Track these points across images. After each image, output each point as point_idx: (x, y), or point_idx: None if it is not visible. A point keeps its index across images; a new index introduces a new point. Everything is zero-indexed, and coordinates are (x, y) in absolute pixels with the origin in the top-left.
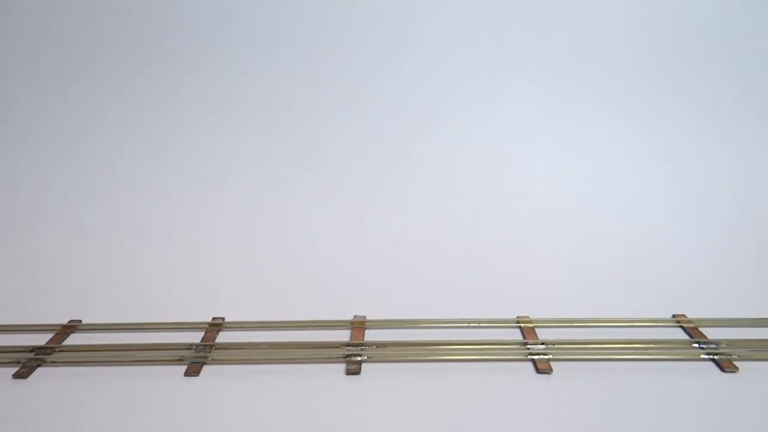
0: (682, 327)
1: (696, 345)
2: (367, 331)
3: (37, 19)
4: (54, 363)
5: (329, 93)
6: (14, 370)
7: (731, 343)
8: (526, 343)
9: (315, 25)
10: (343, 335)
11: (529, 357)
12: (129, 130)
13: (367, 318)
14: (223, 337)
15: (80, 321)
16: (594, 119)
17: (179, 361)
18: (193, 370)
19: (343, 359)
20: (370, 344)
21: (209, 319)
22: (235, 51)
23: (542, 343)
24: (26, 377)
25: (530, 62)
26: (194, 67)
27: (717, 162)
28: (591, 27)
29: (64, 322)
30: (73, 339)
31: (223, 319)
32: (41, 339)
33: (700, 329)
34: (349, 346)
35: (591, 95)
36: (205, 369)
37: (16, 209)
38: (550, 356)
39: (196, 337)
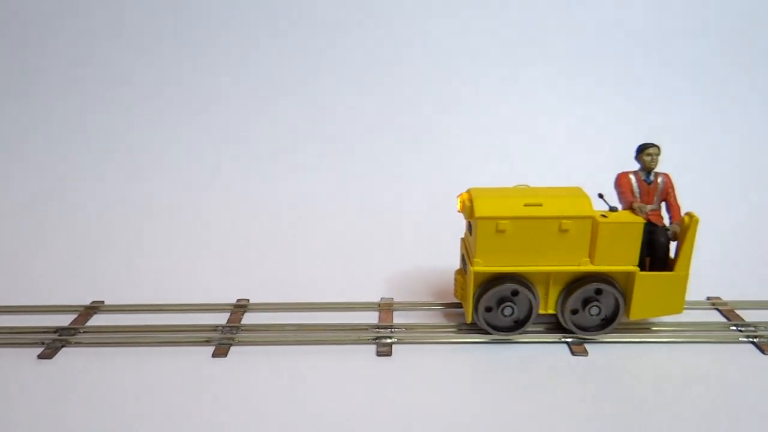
0: (717, 309)
1: (734, 327)
2: (394, 313)
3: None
4: (78, 344)
5: (348, 77)
6: (39, 350)
7: None
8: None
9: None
10: (370, 317)
11: (562, 339)
12: (153, 115)
13: (395, 300)
14: (248, 319)
15: (103, 302)
16: (610, 96)
17: (206, 342)
18: (220, 352)
19: (374, 341)
20: (399, 326)
21: (234, 301)
22: (256, 43)
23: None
24: (51, 358)
25: (549, 42)
26: (210, 57)
27: (749, 143)
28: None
29: (87, 303)
30: (97, 320)
31: (248, 300)
32: (64, 320)
33: (736, 311)
34: (378, 328)
35: (608, 74)
36: (233, 350)
37: (39, 192)
38: (582, 339)
39: (221, 318)
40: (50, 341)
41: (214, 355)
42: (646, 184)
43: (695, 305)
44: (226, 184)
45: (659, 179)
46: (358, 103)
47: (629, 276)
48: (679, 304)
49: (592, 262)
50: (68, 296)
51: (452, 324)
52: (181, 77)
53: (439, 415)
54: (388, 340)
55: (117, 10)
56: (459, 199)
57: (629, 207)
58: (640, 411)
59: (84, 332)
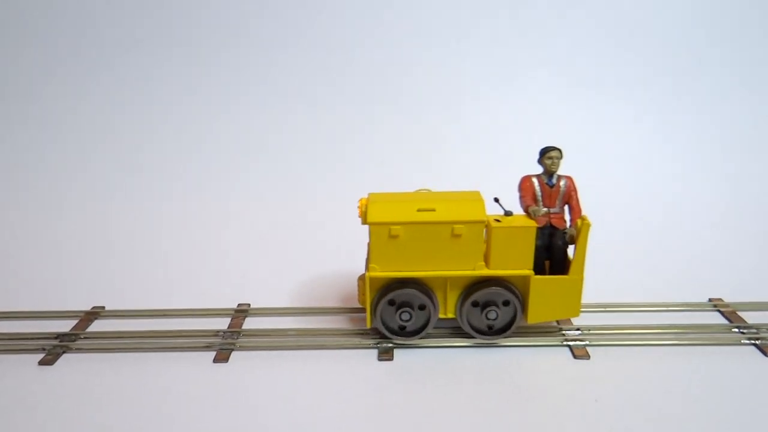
0: (719, 311)
1: (736, 330)
2: None
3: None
4: (79, 349)
5: (348, 81)
6: (40, 357)
7: None
8: (561, 329)
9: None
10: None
11: (564, 343)
12: (156, 123)
13: None
14: (249, 323)
15: (103, 307)
16: (623, 100)
17: (207, 347)
18: (222, 357)
19: (375, 345)
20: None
21: (235, 306)
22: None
23: (577, 329)
24: (52, 364)
25: (551, 42)
26: (214, 60)
27: (752, 147)
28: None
29: (88, 308)
30: (97, 325)
31: (249, 305)
32: (65, 326)
33: (738, 313)
34: (379, 332)
35: (617, 74)
36: (234, 355)
37: (38, 198)
38: (587, 342)
39: (222, 323)
40: (51, 347)
41: (215, 361)
42: (548, 187)
43: (697, 307)
44: (226, 189)
45: (562, 182)
46: (357, 103)
47: (525, 280)
48: (575, 307)
49: (487, 266)
50: (69, 302)
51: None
52: (185, 89)
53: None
54: (389, 345)
55: (118, 16)
56: (359, 204)
57: (525, 210)
58: (642, 415)
59: (85, 338)
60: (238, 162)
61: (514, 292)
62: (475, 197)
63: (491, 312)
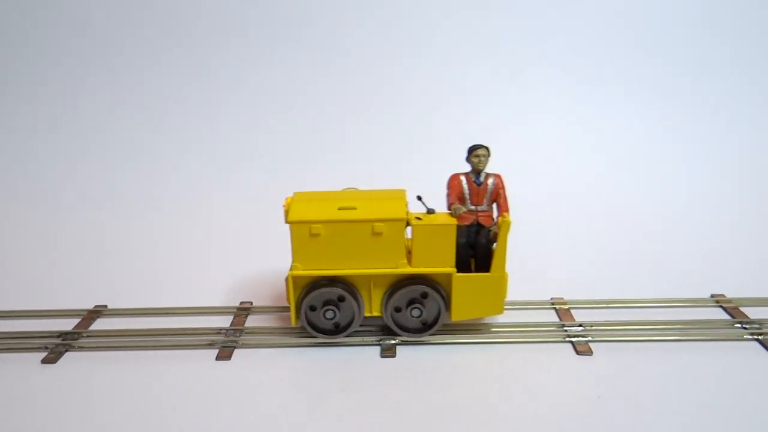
0: (722, 307)
1: (738, 325)
2: None
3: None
4: (82, 348)
5: (341, 76)
6: (42, 355)
7: None
8: (563, 325)
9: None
10: (376, 319)
11: (567, 339)
12: (159, 123)
13: None
14: (252, 321)
15: (105, 306)
16: (623, 95)
17: (210, 345)
18: (224, 355)
19: (378, 342)
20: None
21: (237, 304)
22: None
23: (579, 325)
24: (55, 362)
25: (552, 40)
26: (207, 57)
27: (753, 142)
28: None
29: (90, 307)
30: (100, 324)
31: (251, 303)
32: (68, 324)
33: (741, 309)
34: (383, 330)
35: (620, 71)
36: (237, 353)
37: (41, 197)
38: (589, 338)
39: (224, 321)
40: (54, 346)
41: (217, 358)
42: (476, 185)
43: (699, 303)
44: (227, 187)
45: (490, 180)
46: (356, 102)
47: (448, 277)
48: (498, 304)
49: (410, 264)
50: (71, 301)
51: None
52: (185, 88)
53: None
54: (392, 342)
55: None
56: (284, 204)
57: (448, 208)
58: (645, 411)
59: (87, 336)
60: (239, 160)
61: (437, 289)
62: (397, 196)
63: (415, 310)
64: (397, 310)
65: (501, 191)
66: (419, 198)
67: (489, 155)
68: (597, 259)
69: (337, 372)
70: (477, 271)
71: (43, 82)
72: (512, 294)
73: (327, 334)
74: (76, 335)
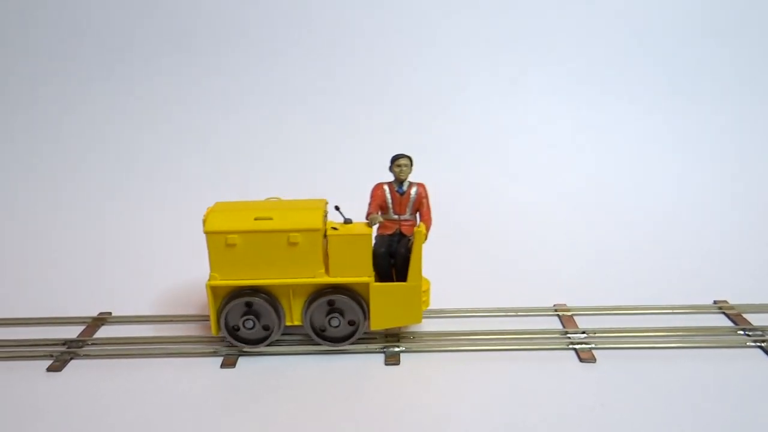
0: (724, 313)
1: (741, 332)
2: None
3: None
4: (87, 356)
5: (351, 74)
6: (48, 363)
7: None
8: (567, 332)
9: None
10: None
11: (570, 346)
12: (161, 129)
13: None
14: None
15: (110, 313)
16: (625, 102)
17: (214, 353)
18: (229, 362)
19: (382, 350)
20: (407, 334)
21: None
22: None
23: (583, 332)
24: (60, 370)
25: (554, 45)
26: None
27: (758, 146)
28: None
29: (95, 314)
30: (105, 331)
31: None
32: (72, 332)
33: (744, 315)
34: (386, 336)
35: (621, 76)
36: (240, 360)
37: (45, 206)
38: (592, 345)
39: None
40: (59, 354)
41: (222, 366)
42: (398, 194)
43: (702, 309)
44: (230, 193)
45: (413, 190)
46: (354, 104)
47: (366, 287)
48: (416, 313)
49: (327, 274)
50: (76, 308)
51: (462, 331)
52: (194, 96)
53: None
54: (396, 349)
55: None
56: (204, 214)
57: (366, 218)
58: (648, 419)
59: (92, 344)
60: (241, 165)
61: (357, 299)
62: (315, 206)
63: (334, 319)
64: (317, 319)
65: (424, 200)
66: (337, 208)
67: (411, 165)
68: (600, 265)
69: (338, 380)
70: (397, 280)
71: (49, 88)
72: (515, 300)
73: (248, 344)
74: (81, 343)
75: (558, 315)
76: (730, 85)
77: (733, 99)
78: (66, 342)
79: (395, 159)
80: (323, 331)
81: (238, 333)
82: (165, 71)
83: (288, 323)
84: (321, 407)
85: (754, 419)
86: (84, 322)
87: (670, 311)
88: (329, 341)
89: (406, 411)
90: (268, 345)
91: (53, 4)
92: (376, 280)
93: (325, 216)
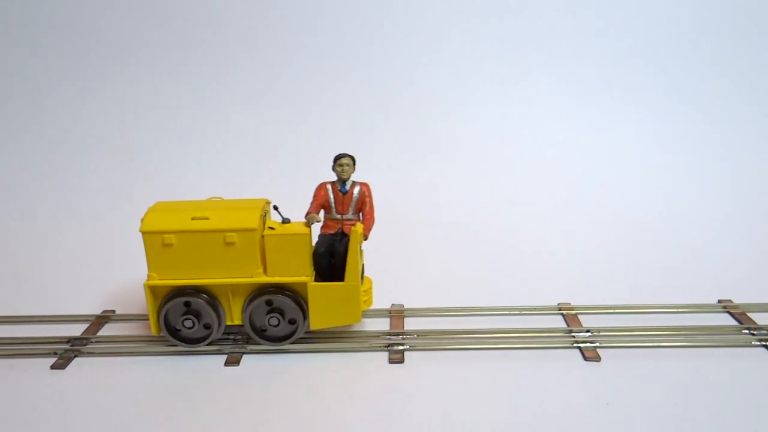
0: (729, 312)
1: (746, 331)
2: (406, 319)
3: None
4: (90, 353)
5: (361, 75)
6: (52, 361)
7: None
8: (571, 331)
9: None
10: (381, 324)
11: (575, 345)
12: (164, 126)
13: (405, 306)
14: None
15: (114, 311)
16: (629, 101)
17: (218, 351)
18: (232, 360)
19: (385, 348)
20: (411, 333)
21: None
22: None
23: (587, 331)
24: (64, 368)
25: (557, 46)
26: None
27: (763, 146)
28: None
29: (98, 312)
30: (108, 329)
31: None
32: (76, 329)
33: (748, 314)
34: (390, 335)
35: (626, 75)
36: (245, 358)
37: (48, 202)
38: (597, 344)
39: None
40: (63, 351)
41: (226, 364)
42: (341, 193)
43: (706, 308)
44: (233, 190)
45: (356, 189)
46: (353, 103)
47: (304, 286)
48: (355, 313)
49: (265, 274)
50: (79, 306)
51: (466, 329)
52: (195, 92)
53: None
54: (401, 347)
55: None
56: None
57: (305, 217)
58: (653, 417)
59: (96, 342)
60: (246, 164)
61: (295, 298)
62: (253, 206)
63: (273, 318)
64: (257, 319)
65: (367, 200)
66: (275, 208)
67: (354, 164)
68: (604, 264)
69: (341, 380)
70: (337, 280)
71: (51, 85)
72: (518, 299)
73: (188, 343)
74: (84, 341)
75: (562, 314)
76: (735, 86)
77: (740, 100)
78: (70, 340)
79: (337, 158)
80: (264, 330)
81: (179, 332)
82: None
83: (228, 323)
84: (326, 405)
85: (758, 418)
86: (87, 320)
87: (675, 310)
88: (270, 341)
89: (410, 409)
90: (209, 344)
91: (53, 4)
92: (316, 280)
93: (264, 216)
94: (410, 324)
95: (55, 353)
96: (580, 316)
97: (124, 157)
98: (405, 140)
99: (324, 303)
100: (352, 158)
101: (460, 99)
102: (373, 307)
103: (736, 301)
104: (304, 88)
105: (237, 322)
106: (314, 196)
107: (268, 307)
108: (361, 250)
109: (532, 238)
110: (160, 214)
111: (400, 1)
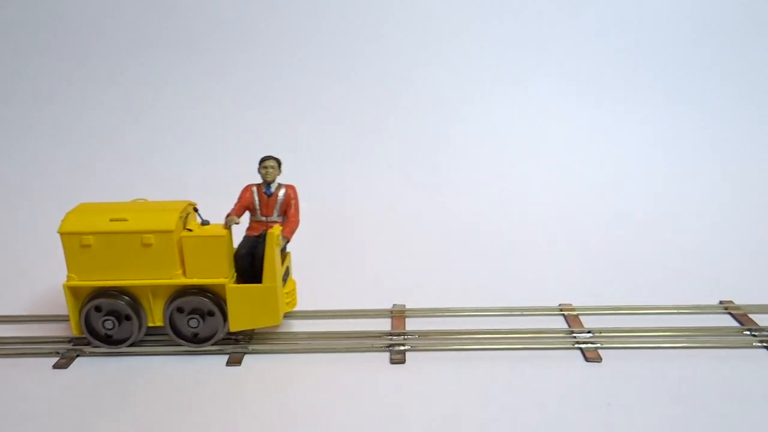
0: (730, 314)
1: (747, 332)
2: (407, 320)
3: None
4: (93, 353)
5: (361, 80)
6: (54, 360)
7: None
8: (572, 332)
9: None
10: (383, 324)
11: (576, 345)
12: (170, 120)
13: (407, 307)
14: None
15: None
16: (630, 102)
17: (220, 351)
18: (234, 360)
19: (387, 348)
20: (413, 333)
21: None
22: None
23: (588, 332)
24: (66, 368)
25: (557, 46)
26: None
27: (762, 148)
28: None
29: None
30: None
31: None
32: None
33: (750, 316)
34: (391, 335)
35: (626, 76)
36: (247, 358)
37: (51, 203)
38: (598, 345)
39: None
40: (65, 351)
41: (228, 364)
42: (266, 196)
43: (707, 309)
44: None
45: (281, 191)
46: (354, 108)
47: (223, 288)
48: (275, 314)
49: (185, 275)
50: None
51: (468, 330)
52: (198, 88)
53: None
54: (402, 348)
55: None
56: None
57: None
58: (654, 418)
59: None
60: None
61: (214, 300)
62: (173, 207)
63: (192, 320)
64: (177, 320)
65: (292, 202)
66: (195, 209)
67: (279, 167)
68: (605, 264)
69: (343, 382)
70: (259, 282)
71: (55, 83)
72: (520, 300)
73: (112, 344)
74: (86, 340)
75: (563, 314)
76: (738, 88)
77: (742, 101)
78: (72, 339)
79: (262, 161)
80: (184, 331)
81: (101, 333)
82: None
83: (150, 324)
84: (327, 406)
85: (759, 419)
86: None
87: (676, 311)
88: (191, 342)
89: (411, 410)
90: (130, 345)
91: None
92: (238, 281)
93: (186, 218)
94: (412, 324)
95: (58, 353)
96: (581, 317)
97: (124, 154)
98: (405, 141)
99: (243, 305)
100: (278, 161)
101: (462, 99)
102: (374, 307)
103: (738, 302)
104: (303, 88)
105: (159, 323)
106: (238, 198)
107: (188, 309)
108: (287, 253)
109: (533, 239)
110: (80, 215)
111: (395, 2)
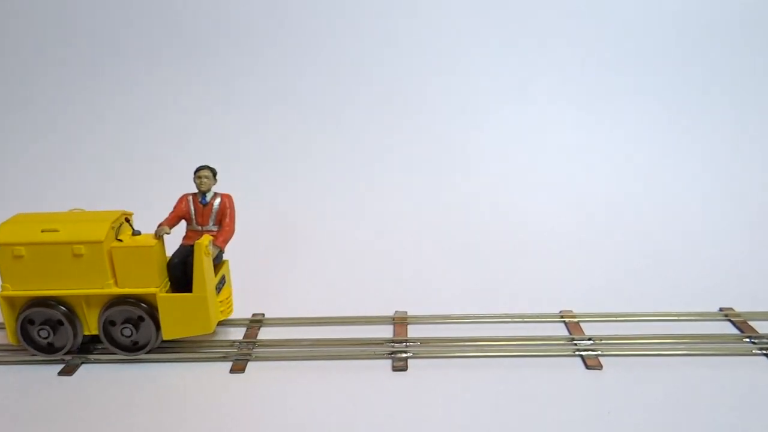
0: (730, 321)
1: (747, 340)
2: (409, 327)
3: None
4: (97, 360)
5: (366, 87)
6: (59, 367)
7: None
8: (573, 339)
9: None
10: (385, 331)
11: (577, 353)
12: (174, 123)
13: (409, 314)
14: (264, 334)
15: None
16: (631, 109)
17: (223, 358)
18: (238, 367)
19: (389, 356)
20: (414, 340)
21: (249, 315)
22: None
23: (589, 339)
24: (71, 374)
25: (561, 49)
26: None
27: (764, 155)
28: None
29: None
30: None
31: (263, 315)
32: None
33: (749, 323)
34: (393, 342)
35: (627, 83)
36: (250, 366)
37: (53, 205)
38: (599, 352)
39: (237, 333)
40: (70, 358)
41: (231, 371)
42: (201, 205)
43: (707, 316)
44: (252, 198)
45: (216, 200)
46: (356, 107)
47: (155, 297)
48: (206, 323)
49: (116, 285)
50: None
51: (469, 337)
52: (195, 90)
53: None
54: (404, 355)
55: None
56: None
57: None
58: (655, 426)
59: (102, 348)
60: (257, 165)
61: (146, 309)
62: (105, 218)
63: (126, 329)
64: (112, 329)
65: (227, 211)
66: (127, 220)
67: (214, 176)
68: (606, 272)
69: (345, 389)
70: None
71: (59, 82)
72: (521, 307)
73: (48, 353)
74: (91, 347)
75: (564, 321)
76: (739, 95)
77: (743, 109)
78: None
79: (196, 171)
80: (119, 340)
81: (37, 342)
82: None
83: (86, 332)
84: (330, 413)
85: (759, 427)
86: None
87: (676, 318)
88: (125, 350)
89: (413, 417)
90: (66, 353)
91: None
92: (172, 290)
93: (118, 228)
94: (414, 331)
95: (63, 360)
96: (582, 324)
97: (132, 152)
98: (409, 149)
99: (174, 314)
100: (212, 170)
101: (465, 107)
102: (376, 314)
103: (738, 309)
104: (303, 91)
105: (94, 332)
106: (174, 208)
107: (121, 318)
108: (224, 261)
109: (534, 247)
110: (13, 227)
111: (398, 8)
